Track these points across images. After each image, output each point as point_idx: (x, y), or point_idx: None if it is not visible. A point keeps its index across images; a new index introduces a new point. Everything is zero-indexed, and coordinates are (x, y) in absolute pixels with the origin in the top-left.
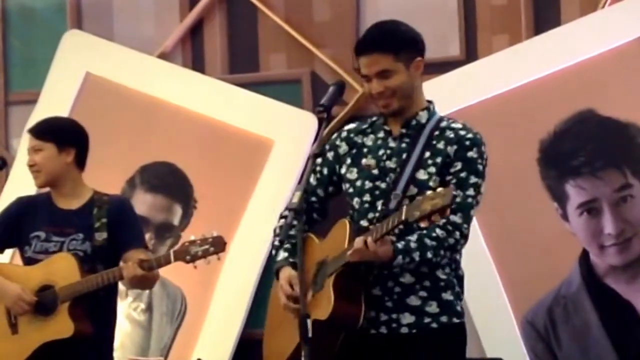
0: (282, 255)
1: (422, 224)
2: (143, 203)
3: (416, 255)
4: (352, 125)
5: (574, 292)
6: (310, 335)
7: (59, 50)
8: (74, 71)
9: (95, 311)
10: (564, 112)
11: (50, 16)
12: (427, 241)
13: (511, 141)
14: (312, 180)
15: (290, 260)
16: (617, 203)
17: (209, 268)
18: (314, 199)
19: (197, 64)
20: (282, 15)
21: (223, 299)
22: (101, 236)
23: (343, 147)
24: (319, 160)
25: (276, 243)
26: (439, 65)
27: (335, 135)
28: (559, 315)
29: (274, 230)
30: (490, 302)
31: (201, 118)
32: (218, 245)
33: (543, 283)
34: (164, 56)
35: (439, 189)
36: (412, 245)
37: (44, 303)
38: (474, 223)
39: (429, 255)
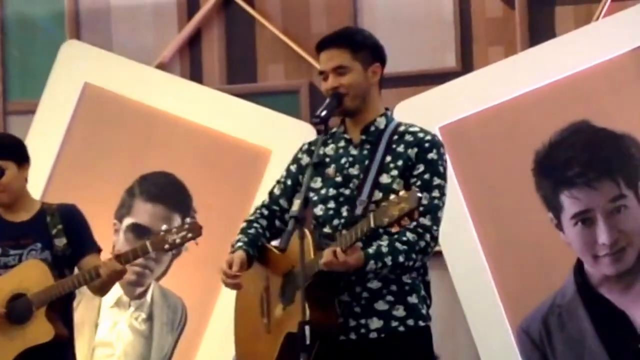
0: (242, 241)
1: (393, 230)
2: (144, 212)
3: (388, 260)
4: (313, 139)
5: (569, 302)
6: (308, 342)
7: (58, 61)
8: (73, 81)
9: (64, 314)
10: (558, 123)
11: (49, 26)
12: (399, 245)
13: (506, 152)
14: (276, 191)
15: (245, 248)
16: (611, 213)
17: (213, 278)
18: (276, 207)
19: (195, 75)
20: (279, 26)
21: (225, 308)
22: (61, 242)
23: (305, 159)
24: (283, 173)
25: (236, 240)
26: (435, 76)
27: (298, 150)
28: (554, 324)
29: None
30: (486, 310)
31: (199, 128)
32: (195, 231)
33: (538, 292)
34: (162, 66)
35: (402, 193)
36: (384, 249)
37: (17, 312)
38: (470, 233)
39: (401, 259)
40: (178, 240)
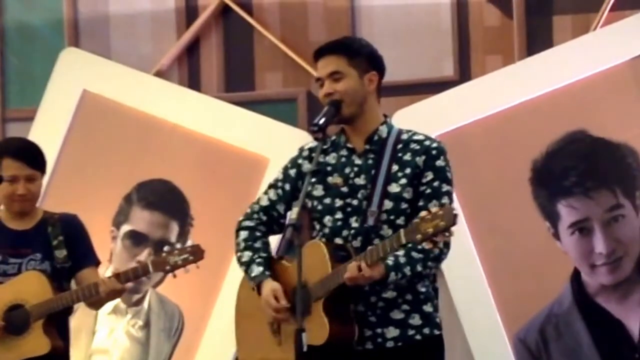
0: (257, 269)
1: (427, 246)
2: (141, 219)
3: (407, 270)
4: (312, 144)
5: (566, 311)
6: (305, 349)
7: (56, 68)
8: (71, 88)
9: (61, 327)
10: (556, 133)
11: (48, 34)
12: (415, 254)
13: (504, 161)
14: (273, 195)
15: (267, 273)
16: (608, 223)
17: (210, 286)
18: (274, 213)
19: (193, 82)
20: (278, 34)
21: (222, 315)
22: (61, 253)
23: (305, 166)
24: (280, 176)
25: (245, 259)
26: (433, 85)
27: (297, 154)
28: (551, 334)
29: (237, 244)
30: (483, 320)
31: (197, 136)
32: (197, 254)
33: (535, 301)
34: (160, 74)
35: (434, 209)
36: (402, 260)
37: (14, 322)
38: (467, 242)
39: (419, 268)
40: (180, 262)
